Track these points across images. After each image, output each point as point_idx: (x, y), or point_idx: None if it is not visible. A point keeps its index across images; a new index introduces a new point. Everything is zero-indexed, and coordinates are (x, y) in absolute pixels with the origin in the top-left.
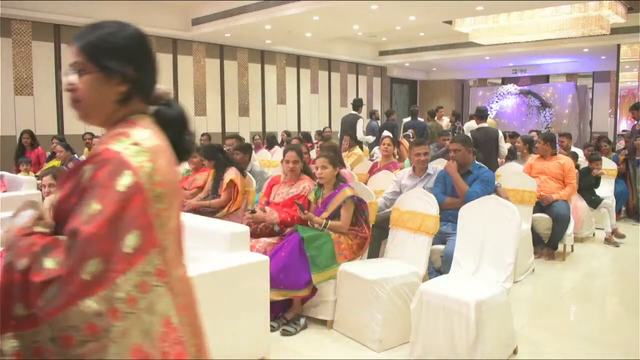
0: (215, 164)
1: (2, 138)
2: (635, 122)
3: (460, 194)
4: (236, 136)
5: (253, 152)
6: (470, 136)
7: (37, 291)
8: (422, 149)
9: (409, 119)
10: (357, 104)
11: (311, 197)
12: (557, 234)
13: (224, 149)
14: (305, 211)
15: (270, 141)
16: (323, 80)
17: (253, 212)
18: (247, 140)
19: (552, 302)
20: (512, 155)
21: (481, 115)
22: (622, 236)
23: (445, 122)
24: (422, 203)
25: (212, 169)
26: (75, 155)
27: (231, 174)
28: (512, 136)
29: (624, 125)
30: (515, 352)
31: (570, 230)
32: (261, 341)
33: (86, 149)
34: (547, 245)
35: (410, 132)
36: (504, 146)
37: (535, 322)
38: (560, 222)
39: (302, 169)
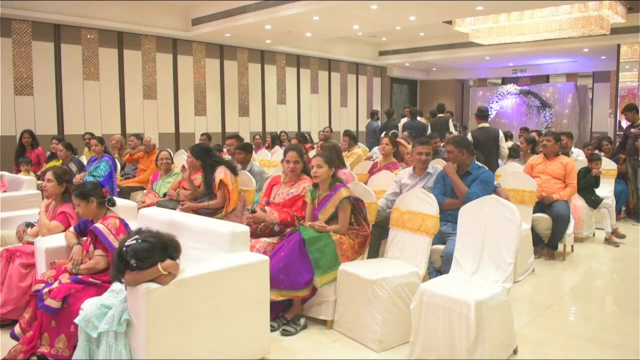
0: (202, 165)
1: (2, 138)
2: (630, 123)
3: (460, 195)
4: (236, 136)
5: (253, 152)
6: (461, 136)
7: None
8: (425, 149)
9: (405, 119)
10: (442, 108)
11: (307, 198)
12: (557, 234)
13: (225, 149)
14: (309, 223)
15: (273, 140)
16: (323, 80)
17: (253, 212)
18: (247, 140)
19: (552, 302)
20: (514, 153)
21: (482, 115)
22: (622, 236)
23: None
24: (422, 203)
25: (201, 170)
26: (76, 156)
27: (220, 173)
28: (545, 135)
29: (624, 125)
30: (515, 352)
31: (570, 230)
32: (261, 341)
33: (86, 149)
34: (547, 245)
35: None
36: (504, 146)
37: (535, 322)
38: (560, 222)
39: (303, 169)
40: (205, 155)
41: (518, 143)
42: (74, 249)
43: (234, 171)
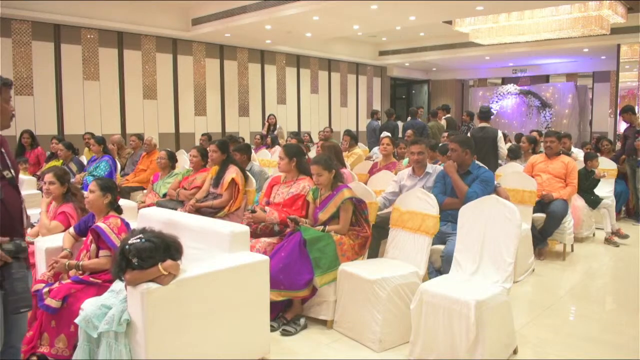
0: (226, 159)
1: None
2: (628, 124)
3: (460, 195)
4: (232, 138)
5: (253, 152)
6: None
7: None
8: (417, 148)
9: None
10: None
11: (309, 197)
12: (548, 230)
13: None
14: (304, 219)
15: (273, 140)
16: (323, 80)
17: (253, 212)
18: (248, 140)
19: (552, 302)
20: (513, 155)
21: (482, 116)
22: (626, 236)
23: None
24: (422, 203)
25: (218, 165)
26: (76, 156)
27: (232, 173)
28: (547, 135)
29: (624, 125)
30: (515, 352)
31: (570, 230)
32: (261, 341)
33: (86, 149)
34: (538, 240)
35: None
36: (503, 147)
37: (535, 322)
38: (552, 219)
39: (299, 168)
40: (229, 149)
41: (514, 143)
42: (62, 253)
43: (244, 173)
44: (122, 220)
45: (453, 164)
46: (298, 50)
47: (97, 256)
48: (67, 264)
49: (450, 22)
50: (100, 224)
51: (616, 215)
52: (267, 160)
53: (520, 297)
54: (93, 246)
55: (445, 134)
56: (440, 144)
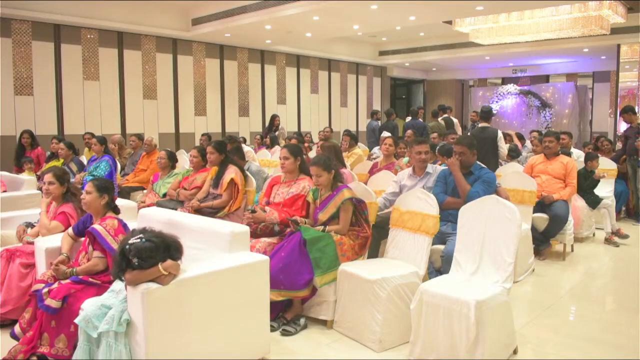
0: (224, 159)
1: (2, 138)
2: (628, 124)
3: (462, 194)
4: (231, 138)
5: (253, 152)
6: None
7: None
8: (423, 148)
9: (409, 118)
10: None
11: (309, 197)
12: (551, 232)
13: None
14: (304, 219)
15: (272, 140)
16: (323, 80)
17: (253, 212)
18: (248, 140)
19: (552, 302)
20: (514, 154)
21: (484, 116)
22: (626, 236)
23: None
24: (422, 203)
25: (217, 166)
26: (76, 156)
27: (231, 173)
28: (546, 135)
29: (624, 125)
30: (515, 352)
31: (570, 230)
32: (261, 341)
33: (86, 149)
34: (539, 242)
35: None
36: (504, 146)
37: (535, 322)
38: (556, 222)
39: (300, 168)
40: (226, 150)
41: (514, 143)
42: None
43: (244, 173)
44: (120, 221)
45: (457, 162)
46: (298, 50)
47: None
48: (63, 271)
49: (450, 22)
50: (96, 225)
51: (616, 215)
52: (267, 160)
53: (520, 297)
54: (90, 248)
55: (435, 134)
56: (439, 145)
